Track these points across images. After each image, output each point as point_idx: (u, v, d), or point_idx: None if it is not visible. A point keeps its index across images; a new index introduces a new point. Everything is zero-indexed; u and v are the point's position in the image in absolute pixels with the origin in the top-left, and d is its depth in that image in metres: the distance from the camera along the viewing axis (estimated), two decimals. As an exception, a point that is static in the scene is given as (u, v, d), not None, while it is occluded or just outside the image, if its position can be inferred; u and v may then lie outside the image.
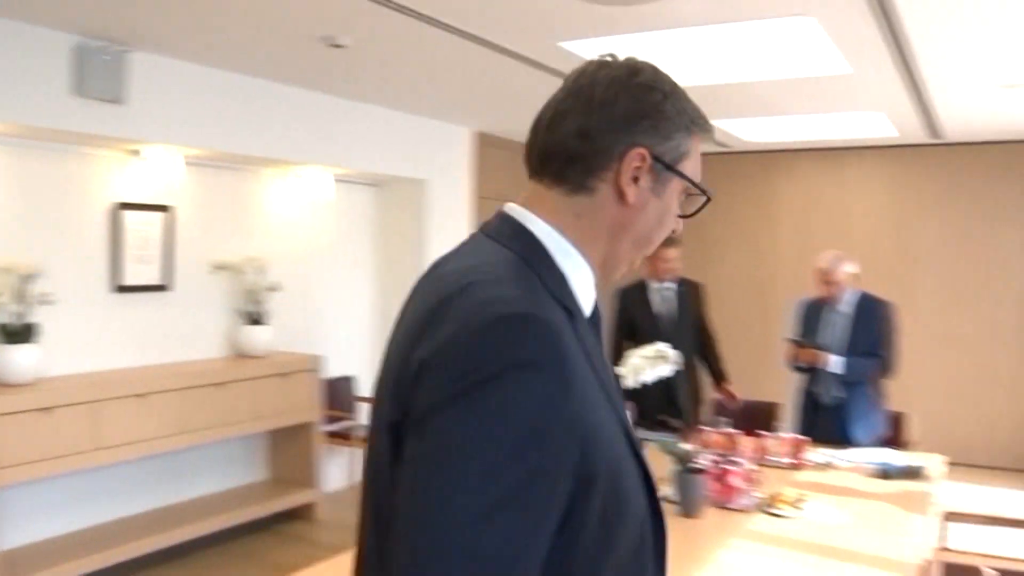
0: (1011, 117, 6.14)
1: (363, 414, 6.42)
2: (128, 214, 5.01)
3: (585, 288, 1.12)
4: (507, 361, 0.92)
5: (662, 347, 2.95)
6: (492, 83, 5.27)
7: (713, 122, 6.09)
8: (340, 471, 6.52)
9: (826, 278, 4.47)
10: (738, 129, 6.81)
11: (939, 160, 7.50)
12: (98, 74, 4.28)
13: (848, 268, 4.48)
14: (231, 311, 5.63)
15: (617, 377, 1.24)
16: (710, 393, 5.13)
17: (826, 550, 2.88)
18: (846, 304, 4.49)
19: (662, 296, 4.92)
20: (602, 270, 1.16)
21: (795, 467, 3.92)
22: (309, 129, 5.61)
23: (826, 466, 3.96)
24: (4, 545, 4.32)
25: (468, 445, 0.90)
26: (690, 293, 4.99)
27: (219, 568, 4.99)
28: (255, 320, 5.59)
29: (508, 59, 4.63)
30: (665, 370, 2.94)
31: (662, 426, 4.29)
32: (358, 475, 6.33)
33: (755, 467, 3.46)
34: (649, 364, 2.89)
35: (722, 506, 3.29)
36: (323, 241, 6.45)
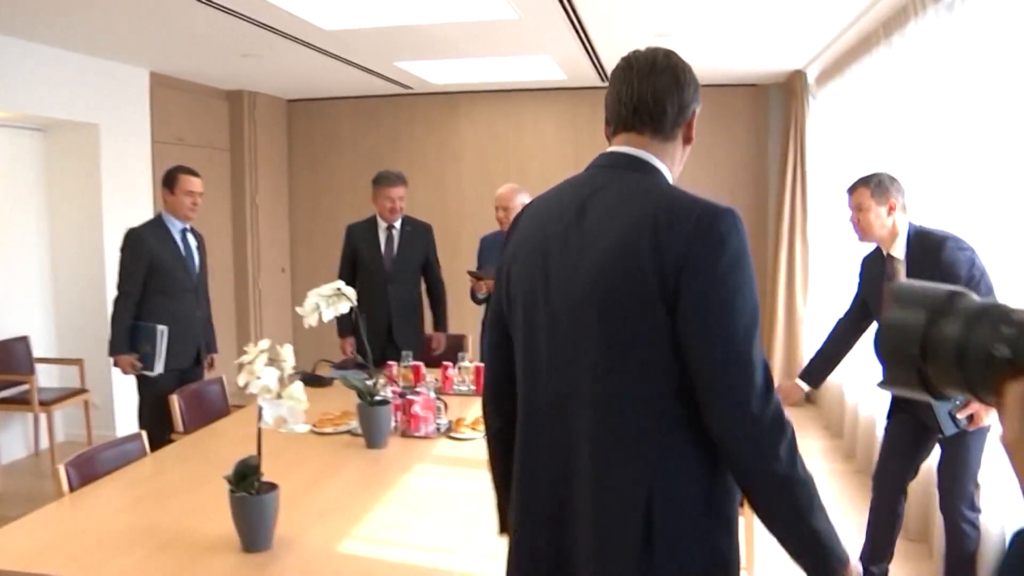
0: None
1: (45, 376, 6.00)
2: None
3: None
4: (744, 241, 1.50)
5: (340, 285, 3.05)
6: (167, 20, 5.02)
7: (396, 64, 6.19)
8: (17, 440, 6.06)
9: (502, 204, 4.76)
10: (421, 71, 6.96)
11: (608, 101, 8.09)
12: None
13: (523, 199, 4.80)
14: None
15: None
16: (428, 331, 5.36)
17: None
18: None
19: (389, 235, 5.04)
20: None
21: (478, 393, 4.20)
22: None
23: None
24: None
25: (744, 287, 1.46)
26: (417, 234, 5.14)
27: None
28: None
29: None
30: (344, 308, 3.04)
31: (383, 361, 4.40)
32: (43, 442, 5.95)
33: (439, 397, 3.68)
34: (326, 303, 2.97)
35: (408, 435, 3.49)
36: (-20, 192, 5.88)
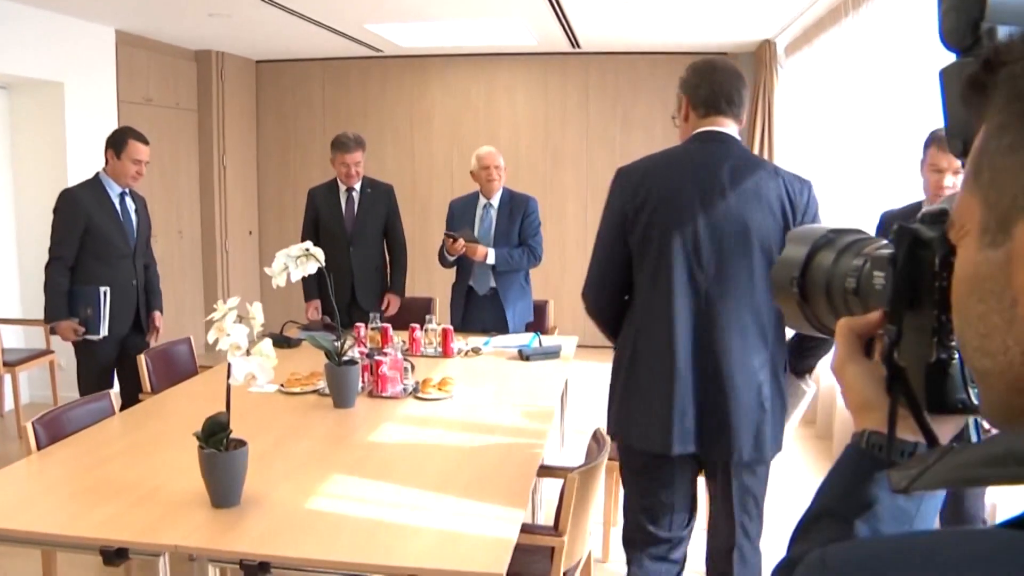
0: (640, 31, 6.78)
1: (10, 337, 5.94)
2: None
3: None
4: None
5: (309, 246, 3.06)
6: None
7: (367, 27, 6.14)
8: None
9: (492, 163, 4.78)
10: (391, 33, 6.92)
11: (579, 68, 8.11)
12: None
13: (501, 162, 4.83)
14: None
15: None
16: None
17: (469, 425, 3.21)
18: (495, 200, 4.83)
19: (349, 197, 5.03)
20: None
21: (445, 355, 4.25)
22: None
23: (473, 352, 4.33)
24: None
25: None
26: (377, 195, 5.13)
27: None
28: None
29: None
30: (312, 268, 3.06)
31: (349, 324, 4.41)
32: (8, 404, 5.90)
33: (406, 359, 3.71)
34: (295, 263, 2.99)
35: (376, 395, 3.53)
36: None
